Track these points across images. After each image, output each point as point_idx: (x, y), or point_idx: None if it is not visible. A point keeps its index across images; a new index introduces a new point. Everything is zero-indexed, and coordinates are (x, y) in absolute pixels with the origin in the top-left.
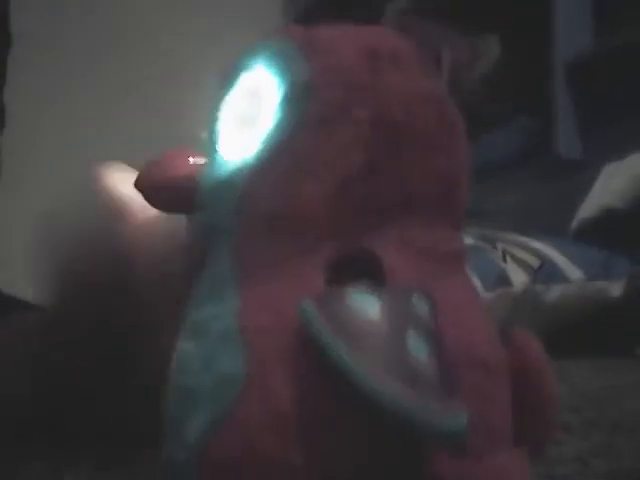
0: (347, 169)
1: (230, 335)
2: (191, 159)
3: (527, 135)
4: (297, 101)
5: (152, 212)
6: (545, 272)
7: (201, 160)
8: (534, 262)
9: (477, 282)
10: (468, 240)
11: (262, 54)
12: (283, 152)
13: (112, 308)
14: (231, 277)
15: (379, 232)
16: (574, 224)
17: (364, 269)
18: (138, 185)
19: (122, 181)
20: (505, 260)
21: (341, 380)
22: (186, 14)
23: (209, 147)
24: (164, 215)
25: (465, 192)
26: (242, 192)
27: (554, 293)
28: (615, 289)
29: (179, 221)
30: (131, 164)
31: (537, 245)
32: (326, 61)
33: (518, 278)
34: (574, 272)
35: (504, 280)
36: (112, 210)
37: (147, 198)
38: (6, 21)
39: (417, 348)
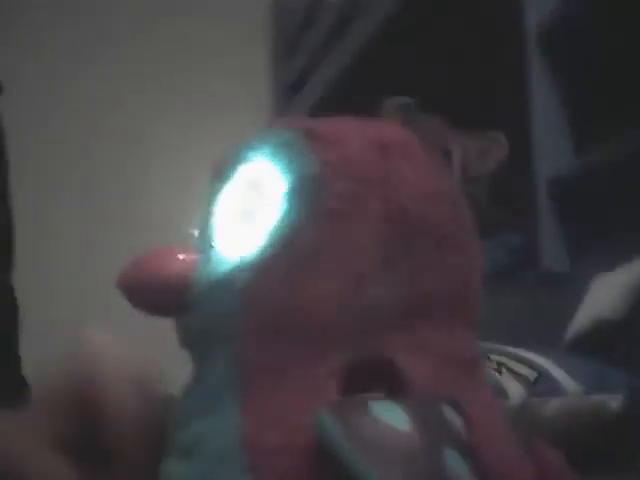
0: (362, 267)
1: (230, 455)
2: (181, 256)
3: (513, 249)
4: (304, 194)
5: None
6: (542, 385)
7: (193, 257)
8: (530, 374)
9: None
10: None
11: (263, 145)
12: (290, 248)
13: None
14: (230, 387)
15: (395, 336)
16: (567, 336)
17: (379, 377)
18: (121, 284)
19: (101, 348)
20: (500, 372)
21: None
22: (173, 104)
23: (203, 243)
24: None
25: (480, 292)
26: (243, 292)
27: (552, 407)
28: (613, 402)
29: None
30: (118, 266)
31: (532, 357)
32: (335, 153)
33: (514, 390)
34: (571, 385)
35: (500, 393)
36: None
37: (131, 298)
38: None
39: (457, 468)
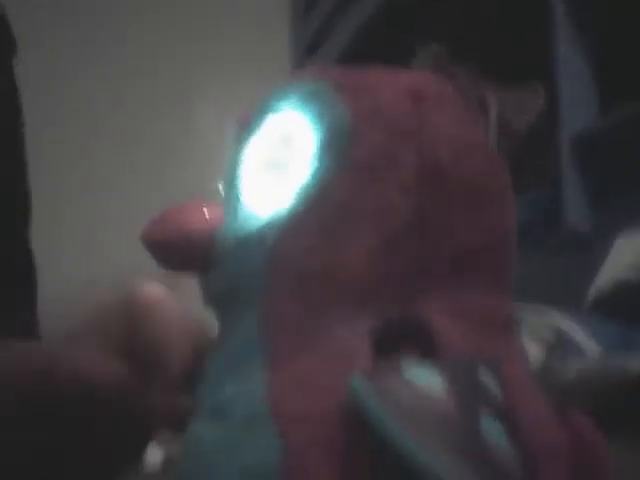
0: (394, 222)
1: (259, 419)
2: (207, 211)
3: (537, 207)
4: (336, 147)
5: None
6: (562, 347)
7: (219, 212)
8: (550, 336)
9: None
10: None
11: (292, 97)
12: (321, 203)
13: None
14: (257, 349)
15: (428, 295)
16: (589, 297)
17: (411, 338)
18: (146, 239)
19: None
20: (520, 335)
21: (404, 475)
22: (196, 53)
23: (229, 198)
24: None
25: (515, 250)
26: (272, 249)
27: (573, 369)
28: (635, 363)
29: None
30: (142, 218)
31: (552, 319)
32: (366, 104)
33: (534, 353)
34: (592, 346)
35: None
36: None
37: (155, 254)
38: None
39: (493, 433)
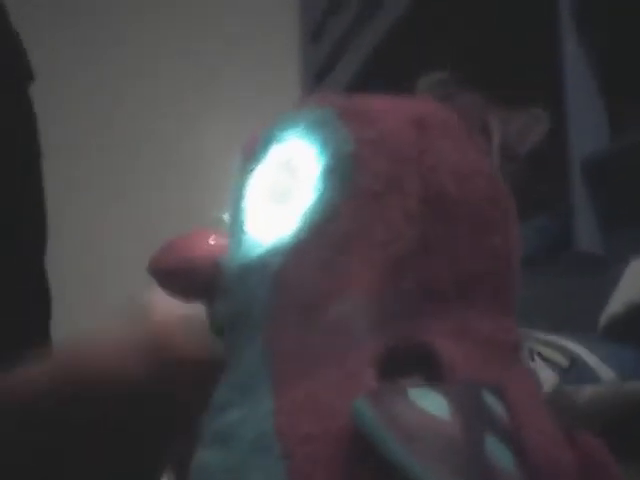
0: (399, 249)
1: (264, 443)
2: (212, 239)
3: (547, 232)
4: (340, 174)
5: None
6: (575, 372)
7: (224, 241)
8: (563, 361)
9: None
10: None
11: (296, 124)
12: (325, 230)
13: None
14: (263, 374)
15: (432, 320)
16: (602, 321)
17: (416, 362)
18: (152, 268)
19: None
20: (533, 359)
21: None
22: (202, 89)
23: (234, 226)
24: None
25: (519, 275)
26: (276, 275)
27: (586, 394)
28: None
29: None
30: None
31: (565, 343)
32: (370, 130)
33: (547, 378)
34: (605, 372)
35: None
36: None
37: (161, 282)
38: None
39: (499, 455)
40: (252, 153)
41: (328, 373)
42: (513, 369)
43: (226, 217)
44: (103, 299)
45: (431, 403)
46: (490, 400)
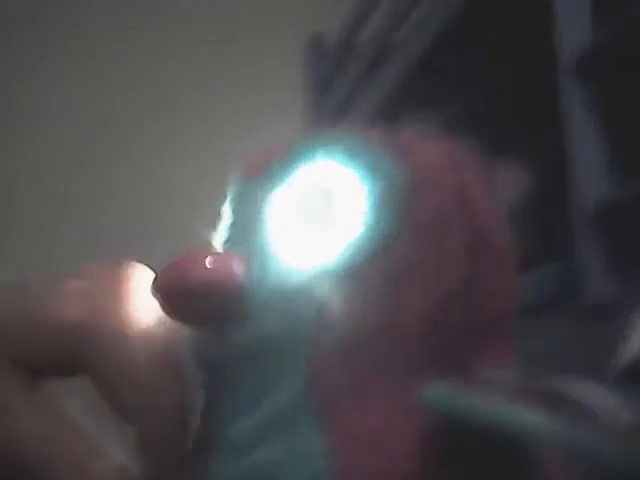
0: (450, 283)
1: None
2: (228, 261)
3: (557, 280)
4: (395, 203)
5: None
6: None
7: (231, 261)
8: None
9: None
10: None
11: (336, 146)
12: (379, 261)
13: None
14: (305, 410)
15: (476, 356)
16: (612, 370)
17: None
18: (156, 291)
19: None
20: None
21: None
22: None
23: (247, 248)
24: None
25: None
26: (324, 305)
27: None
28: None
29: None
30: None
31: (577, 390)
32: (422, 160)
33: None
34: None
35: None
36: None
37: (169, 308)
38: None
39: None
40: (268, 169)
41: (380, 410)
42: None
43: (214, 237)
44: None
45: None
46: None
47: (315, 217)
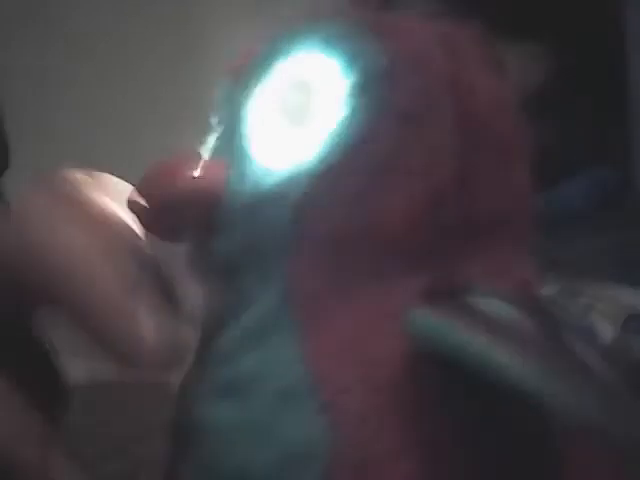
0: (440, 178)
1: (297, 394)
2: (204, 167)
3: (605, 184)
4: (373, 92)
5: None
6: (634, 325)
7: (219, 168)
8: (622, 315)
9: None
10: (548, 291)
11: (314, 36)
12: (356, 154)
13: None
14: (286, 315)
15: (471, 260)
16: None
17: None
18: (132, 204)
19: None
20: (590, 313)
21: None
22: None
23: (231, 152)
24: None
25: (534, 212)
26: (299, 206)
27: None
28: None
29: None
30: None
31: (624, 296)
32: (403, 47)
33: (605, 332)
34: None
35: (590, 334)
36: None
37: (147, 223)
38: None
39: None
40: (248, 70)
41: (363, 315)
42: None
43: (205, 143)
44: None
45: (496, 307)
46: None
47: (294, 113)
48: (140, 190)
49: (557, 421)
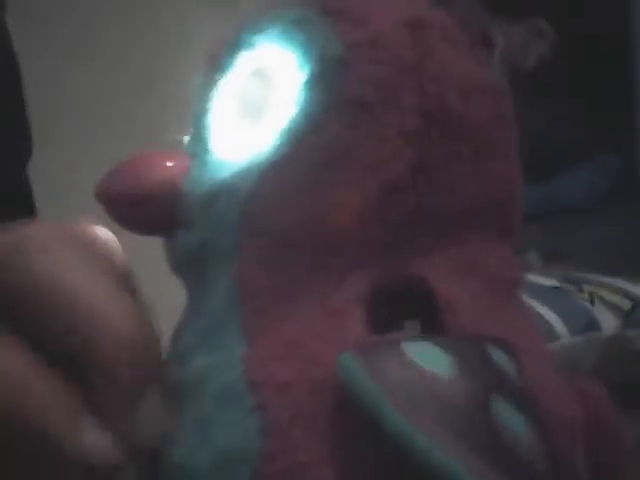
0: (394, 172)
1: (234, 395)
2: (169, 162)
3: (609, 173)
4: (326, 81)
5: None
6: (637, 315)
7: (183, 163)
8: (625, 305)
9: (563, 327)
10: (551, 282)
11: (271, 26)
12: (306, 147)
13: None
14: (232, 315)
15: (430, 255)
16: None
17: (410, 302)
18: (100, 195)
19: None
20: (593, 303)
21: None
22: None
23: (196, 146)
24: None
25: (521, 203)
26: (246, 201)
27: None
28: None
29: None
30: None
31: (627, 286)
32: (361, 31)
33: (608, 322)
34: None
35: (593, 324)
36: None
37: (112, 212)
38: None
39: (508, 418)
40: (217, 61)
41: (308, 314)
42: (517, 311)
43: (186, 137)
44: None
45: (430, 359)
46: (497, 355)
47: (249, 104)
48: (106, 182)
49: None
